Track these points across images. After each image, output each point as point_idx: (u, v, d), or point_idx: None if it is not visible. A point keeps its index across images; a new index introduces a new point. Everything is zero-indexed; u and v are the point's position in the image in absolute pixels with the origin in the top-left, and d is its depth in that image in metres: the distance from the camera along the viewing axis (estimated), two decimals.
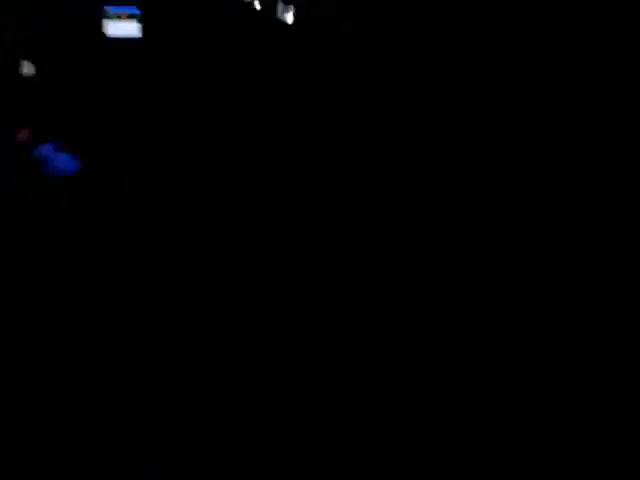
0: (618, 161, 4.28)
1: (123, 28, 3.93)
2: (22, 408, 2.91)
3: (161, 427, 2.84)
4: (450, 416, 2.89)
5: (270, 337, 3.37)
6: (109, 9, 3.99)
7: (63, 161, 3.88)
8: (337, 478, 2.60)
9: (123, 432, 2.81)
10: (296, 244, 4.09)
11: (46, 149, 3.87)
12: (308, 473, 2.64)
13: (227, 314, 3.57)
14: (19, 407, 2.92)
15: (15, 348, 3.27)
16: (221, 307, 3.62)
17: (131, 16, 3.99)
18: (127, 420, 2.87)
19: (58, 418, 2.87)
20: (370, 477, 2.60)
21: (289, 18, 3.36)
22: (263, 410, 2.92)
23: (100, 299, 3.65)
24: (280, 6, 3.41)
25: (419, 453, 2.71)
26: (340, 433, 2.81)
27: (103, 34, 3.96)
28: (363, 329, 3.43)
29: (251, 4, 3.42)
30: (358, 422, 2.86)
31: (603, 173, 4.26)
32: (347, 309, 3.59)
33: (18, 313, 3.55)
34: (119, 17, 4.01)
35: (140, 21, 3.96)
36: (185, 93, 3.90)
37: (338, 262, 4.00)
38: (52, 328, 3.43)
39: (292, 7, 3.34)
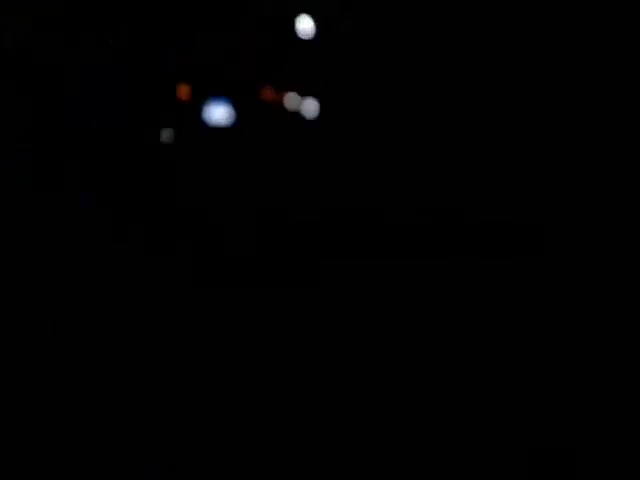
0: (618, 161, 4.14)
1: (217, 116, 5.38)
2: (22, 409, 2.87)
3: (161, 427, 2.79)
4: (450, 416, 2.93)
5: (270, 336, 3.40)
6: (209, 102, 5.45)
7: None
8: (337, 478, 2.61)
9: (123, 432, 2.74)
10: (295, 243, 4.09)
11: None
12: (308, 473, 2.63)
13: (226, 312, 3.57)
14: (19, 408, 2.87)
15: (15, 348, 3.22)
16: (220, 306, 3.61)
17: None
18: (127, 420, 2.81)
19: (58, 419, 2.81)
20: (370, 477, 2.62)
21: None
22: (262, 410, 2.93)
23: (100, 299, 3.59)
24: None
25: (419, 453, 2.74)
26: (340, 433, 2.81)
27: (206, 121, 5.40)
28: (363, 329, 3.49)
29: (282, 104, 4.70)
30: (358, 422, 2.88)
31: (603, 173, 4.08)
32: (347, 309, 3.64)
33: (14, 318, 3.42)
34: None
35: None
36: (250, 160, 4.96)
37: (337, 262, 3.98)
38: (51, 329, 3.39)
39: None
